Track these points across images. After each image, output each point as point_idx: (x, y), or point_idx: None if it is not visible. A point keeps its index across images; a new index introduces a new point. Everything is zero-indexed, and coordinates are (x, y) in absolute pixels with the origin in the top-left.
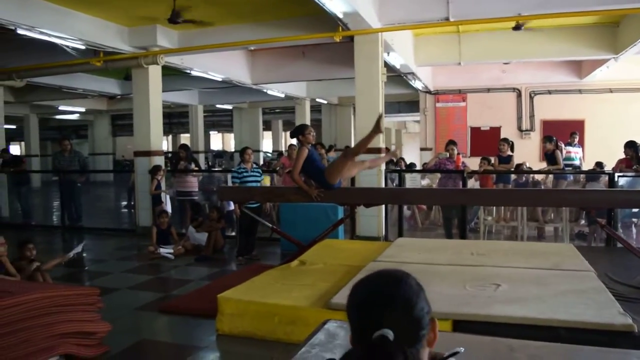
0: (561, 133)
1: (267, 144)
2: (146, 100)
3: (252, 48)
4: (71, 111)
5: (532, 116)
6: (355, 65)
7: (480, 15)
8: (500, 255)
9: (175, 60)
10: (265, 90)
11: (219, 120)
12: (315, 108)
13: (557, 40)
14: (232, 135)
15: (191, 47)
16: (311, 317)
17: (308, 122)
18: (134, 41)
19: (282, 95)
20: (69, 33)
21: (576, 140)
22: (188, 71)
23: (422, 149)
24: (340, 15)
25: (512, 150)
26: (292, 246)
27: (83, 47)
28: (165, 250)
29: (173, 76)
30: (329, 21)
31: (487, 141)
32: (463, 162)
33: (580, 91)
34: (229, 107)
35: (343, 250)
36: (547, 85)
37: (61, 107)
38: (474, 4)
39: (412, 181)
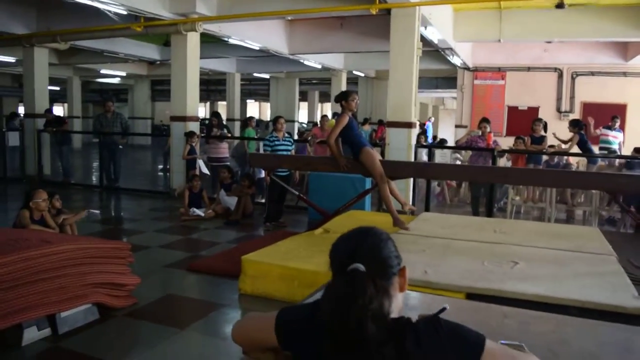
0: (602, 116)
1: (302, 114)
2: (183, 67)
3: (290, 18)
4: (112, 75)
5: (572, 97)
6: (391, 39)
7: None
8: (523, 235)
9: (213, 28)
10: (302, 61)
11: (255, 89)
12: (352, 80)
13: (603, 20)
14: (269, 105)
15: (229, 16)
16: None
17: None
18: (174, 7)
19: (319, 67)
20: None
21: (617, 124)
22: (226, 39)
23: (457, 126)
24: None
25: (545, 131)
26: (318, 215)
27: (125, 12)
28: (196, 212)
29: (211, 43)
30: None
31: (524, 121)
32: (495, 141)
33: (625, 74)
34: (266, 76)
35: (367, 221)
36: (590, 67)
37: (103, 71)
38: None
39: (442, 157)
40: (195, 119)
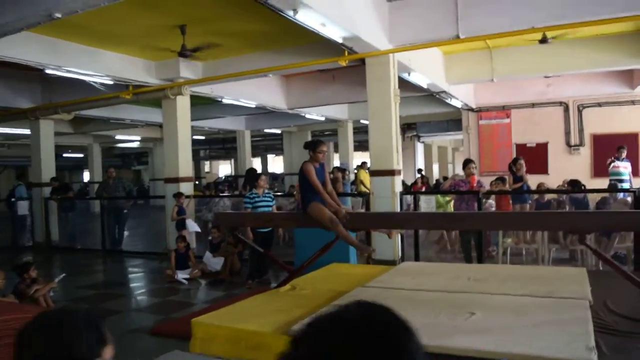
0: (613, 147)
1: None
2: (174, 130)
3: (270, 75)
4: (129, 140)
5: (581, 130)
6: (368, 87)
7: (491, 30)
8: (498, 281)
9: (204, 90)
10: (303, 115)
11: (271, 144)
12: (362, 129)
13: (596, 51)
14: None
15: (211, 77)
16: (273, 343)
17: (351, 145)
18: (160, 74)
19: (323, 119)
20: (95, 70)
21: (624, 154)
22: (219, 99)
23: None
24: (340, 40)
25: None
26: (308, 269)
27: (111, 82)
28: (181, 275)
29: (212, 105)
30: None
31: (534, 158)
32: (479, 182)
33: (633, 102)
34: (278, 131)
35: (341, 275)
36: (596, 98)
37: (118, 137)
38: (483, 20)
39: (427, 203)
40: (188, 179)
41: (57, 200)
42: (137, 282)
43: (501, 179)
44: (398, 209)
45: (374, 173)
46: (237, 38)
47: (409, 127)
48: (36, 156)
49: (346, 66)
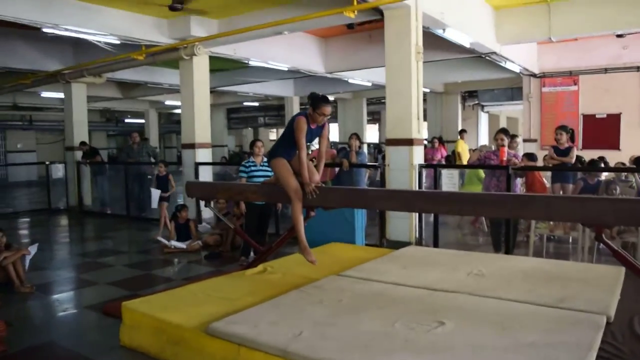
0: None
1: (374, 135)
2: (191, 93)
3: (287, 32)
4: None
5: None
6: (386, 44)
7: None
8: (503, 279)
9: (226, 51)
10: (347, 80)
11: None
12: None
13: None
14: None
15: (219, 34)
16: (192, 339)
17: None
18: (172, 33)
19: (369, 84)
20: (97, 29)
21: None
22: (245, 62)
23: (525, 141)
24: None
25: (572, 140)
26: (312, 245)
27: (118, 42)
28: (176, 244)
29: (257, 68)
30: None
31: (604, 131)
32: (514, 155)
33: None
34: (331, 97)
35: (330, 257)
36: None
37: (167, 102)
38: None
39: (449, 178)
40: (206, 145)
41: (86, 164)
42: (135, 252)
43: (529, 155)
44: (416, 184)
45: (389, 142)
46: None
47: (469, 95)
48: (69, 120)
49: (380, 24)
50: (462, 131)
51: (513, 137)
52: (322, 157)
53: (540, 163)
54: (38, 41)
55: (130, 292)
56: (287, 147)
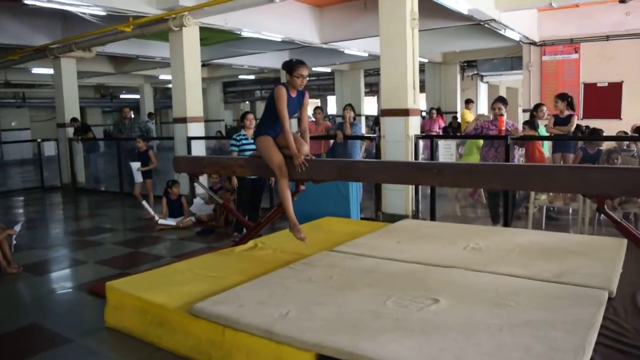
0: None
1: (372, 107)
2: (181, 65)
3: (278, 0)
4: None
5: None
6: (379, 10)
7: None
8: (501, 253)
9: (217, 22)
10: (343, 50)
11: (323, 85)
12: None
13: None
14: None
15: (205, 4)
16: (176, 320)
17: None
18: (161, 3)
19: (366, 55)
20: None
21: None
22: (237, 32)
23: (524, 111)
24: None
25: (571, 108)
26: (307, 219)
27: (103, 13)
28: (165, 222)
29: (249, 40)
30: None
31: (605, 100)
32: (511, 124)
33: None
34: (327, 69)
35: (323, 232)
36: None
37: (161, 77)
38: None
39: (447, 149)
40: (198, 119)
41: (77, 140)
42: (126, 229)
43: (531, 123)
44: (412, 156)
45: (384, 112)
46: None
47: (468, 65)
48: (59, 96)
49: None
50: (469, 101)
51: (539, 105)
52: (305, 128)
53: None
54: (25, 16)
55: (119, 270)
56: (270, 122)
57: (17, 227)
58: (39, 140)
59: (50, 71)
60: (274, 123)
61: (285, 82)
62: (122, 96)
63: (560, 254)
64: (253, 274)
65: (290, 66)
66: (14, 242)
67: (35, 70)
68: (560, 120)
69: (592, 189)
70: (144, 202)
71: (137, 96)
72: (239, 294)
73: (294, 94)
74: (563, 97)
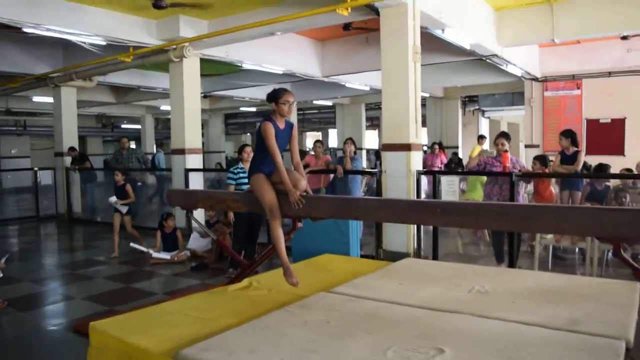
0: None
1: (373, 141)
2: (181, 96)
3: (279, 33)
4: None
5: None
6: (382, 44)
7: None
8: (508, 296)
9: (218, 53)
10: (344, 84)
11: (324, 118)
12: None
13: None
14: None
15: (207, 35)
16: None
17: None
18: (160, 34)
19: (367, 88)
20: (82, 29)
21: None
22: (238, 64)
23: (527, 146)
24: None
25: (575, 144)
26: (306, 255)
27: (103, 43)
28: (159, 255)
29: (252, 72)
30: None
31: (608, 136)
32: (515, 161)
33: None
34: (329, 103)
35: (321, 271)
36: None
37: (162, 107)
38: None
39: (449, 185)
40: (196, 151)
41: (75, 170)
42: (118, 263)
43: (542, 159)
44: (414, 192)
45: (386, 147)
46: None
47: (470, 100)
48: (58, 125)
49: (377, 26)
50: (481, 137)
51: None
52: (298, 162)
53: None
54: (27, 44)
55: (107, 307)
56: (262, 159)
57: (1, 260)
58: (35, 169)
59: (51, 100)
60: (266, 159)
61: (271, 115)
62: (123, 126)
63: (571, 298)
64: (246, 317)
65: (275, 95)
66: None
67: (36, 99)
68: (567, 158)
69: (606, 232)
70: (133, 244)
71: (139, 126)
72: (229, 339)
73: (282, 126)
74: (567, 134)
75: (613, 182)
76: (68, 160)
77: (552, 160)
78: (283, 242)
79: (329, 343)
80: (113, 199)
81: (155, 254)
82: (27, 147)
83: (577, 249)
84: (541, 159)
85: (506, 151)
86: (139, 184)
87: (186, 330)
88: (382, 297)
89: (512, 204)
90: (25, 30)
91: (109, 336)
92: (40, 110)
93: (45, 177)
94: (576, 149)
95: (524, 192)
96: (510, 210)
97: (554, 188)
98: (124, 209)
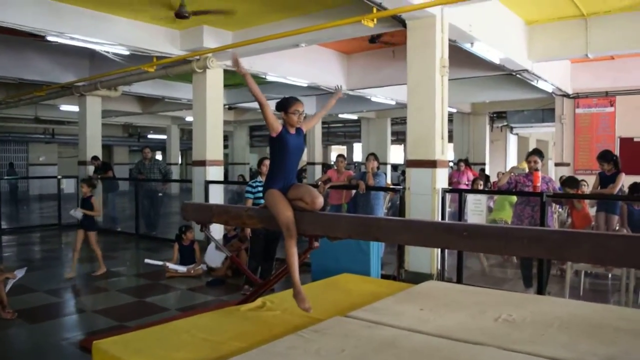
0: None
1: (398, 156)
2: (203, 107)
3: (304, 44)
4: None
5: None
6: (407, 57)
7: None
8: (538, 327)
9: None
10: (369, 98)
11: (350, 131)
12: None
13: None
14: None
15: (229, 45)
16: None
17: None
18: (184, 44)
19: (393, 103)
20: (105, 38)
21: None
22: (263, 76)
23: (557, 164)
24: None
25: (616, 167)
26: (325, 274)
27: (127, 53)
28: (175, 267)
29: (278, 85)
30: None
31: None
32: (546, 179)
33: None
34: (354, 117)
35: (339, 292)
36: None
37: (188, 119)
38: None
39: (476, 205)
40: (218, 163)
41: (97, 179)
42: (134, 275)
43: (570, 183)
44: (439, 211)
45: (410, 163)
46: (256, 3)
47: (498, 117)
48: (82, 134)
49: (404, 39)
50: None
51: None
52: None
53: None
54: (53, 54)
55: (118, 322)
56: (278, 173)
57: (19, 273)
58: (59, 177)
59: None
60: (282, 173)
61: (282, 122)
62: (149, 136)
63: (608, 332)
64: (256, 340)
65: (285, 104)
66: (10, 285)
67: (64, 107)
68: (607, 178)
69: None
70: (148, 260)
71: (165, 137)
72: None
73: (292, 131)
74: (608, 157)
75: None
76: (91, 169)
77: (583, 180)
78: (297, 263)
79: None
80: (77, 213)
81: (171, 266)
82: (54, 155)
83: (610, 275)
84: (569, 184)
85: (537, 170)
86: (160, 195)
87: (192, 353)
88: (402, 324)
89: (546, 230)
90: (49, 38)
91: (111, 357)
92: (68, 118)
93: (69, 186)
94: (616, 170)
95: (556, 216)
96: (544, 236)
97: (589, 210)
98: (87, 226)
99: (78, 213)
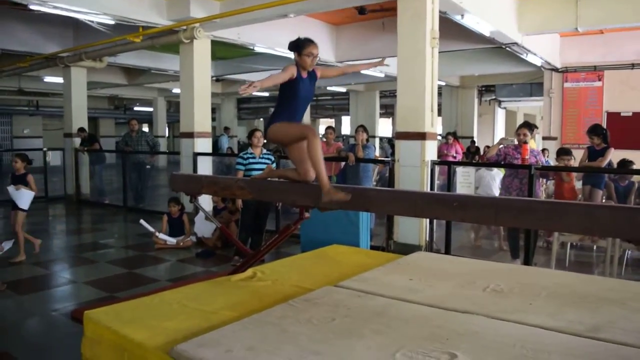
0: None
1: (387, 129)
2: (190, 78)
3: (292, 15)
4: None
5: None
6: (398, 28)
7: None
8: (525, 297)
9: (230, 36)
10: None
11: (338, 104)
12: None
13: None
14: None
15: (218, 15)
16: None
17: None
18: (171, 14)
19: (382, 75)
20: (89, 7)
21: None
22: (250, 47)
23: (544, 138)
24: None
25: (605, 141)
26: (314, 245)
27: (112, 22)
28: (165, 237)
29: (266, 56)
30: None
31: (629, 130)
32: (535, 152)
33: None
34: (342, 89)
35: (329, 262)
36: None
37: (175, 90)
38: None
39: (465, 177)
40: (206, 135)
41: (83, 151)
42: (123, 247)
43: (568, 153)
44: (428, 183)
45: (400, 135)
46: None
47: (486, 90)
48: (68, 105)
49: (394, 12)
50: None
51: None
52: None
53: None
54: (37, 23)
55: (108, 293)
56: (282, 113)
57: (6, 244)
58: (45, 149)
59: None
60: (288, 114)
61: (295, 63)
62: (135, 108)
63: (593, 301)
64: (247, 310)
65: (299, 45)
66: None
67: (48, 79)
68: (596, 153)
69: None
70: (143, 221)
71: (151, 109)
72: (227, 335)
73: (305, 75)
74: (598, 131)
75: (636, 178)
76: (77, 141)
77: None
78: (323, 160)
79: (334, 343)
80: (13, 189)
81: (161, 235)
82: (39, 128)
83: (594, 247)
84: (564, 152)
85: (526, 143)
86: (148, 167)
87: (184, 323)
88: (391, 294)
89: (536, 200)
90: (31, 7)
91: (103, 326)
92: (53, 90)
93: (55, 158)
94: (605, 145)
95: (544, 188)
96: (534, 206)
97: (575, 183)
98: (23, 198)
99: (13, 189)
